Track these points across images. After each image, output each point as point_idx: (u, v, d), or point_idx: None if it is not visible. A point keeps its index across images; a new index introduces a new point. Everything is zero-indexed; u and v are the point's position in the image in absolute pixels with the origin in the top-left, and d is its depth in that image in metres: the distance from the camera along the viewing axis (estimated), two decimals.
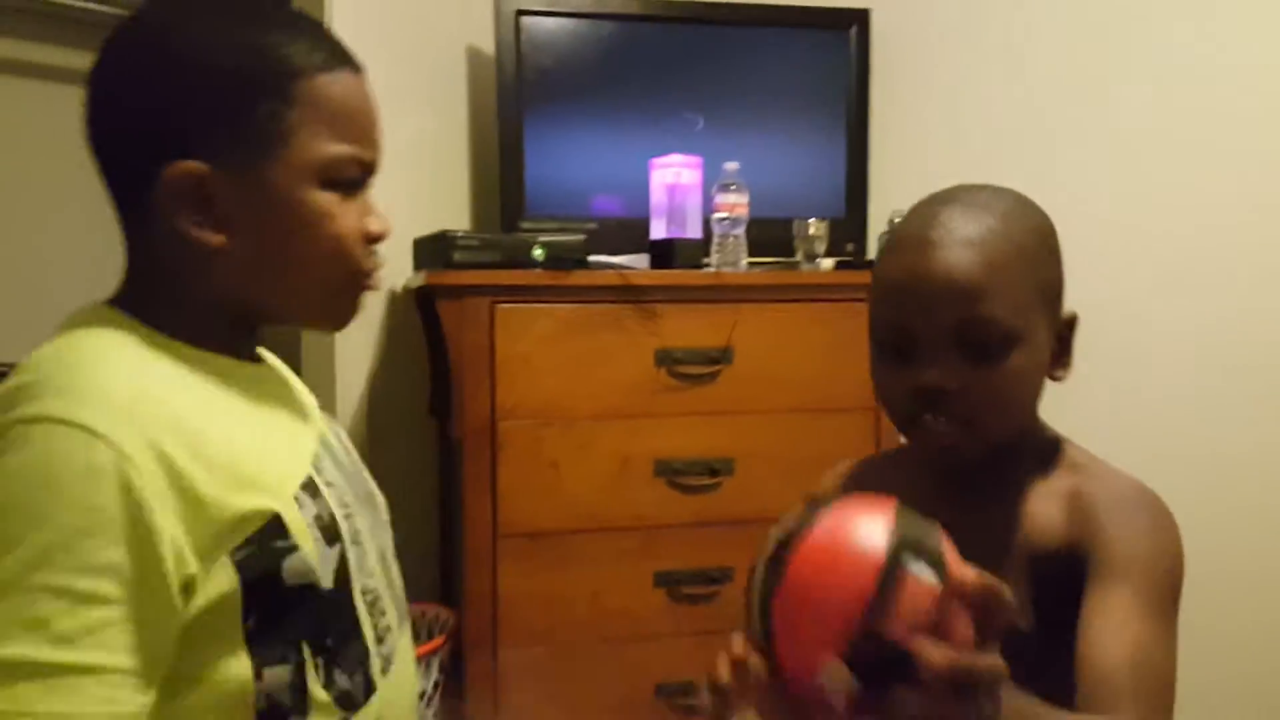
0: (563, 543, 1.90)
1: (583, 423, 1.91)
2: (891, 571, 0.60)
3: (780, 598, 0.63)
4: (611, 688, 1.94)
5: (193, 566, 0.75)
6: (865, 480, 1.02)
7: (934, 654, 0.59)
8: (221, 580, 0.76)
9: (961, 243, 0.88)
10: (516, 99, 2.17)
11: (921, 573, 0.61)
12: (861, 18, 2.34)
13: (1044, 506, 0.93)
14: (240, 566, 0.77)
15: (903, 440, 0.99)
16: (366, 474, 1.00)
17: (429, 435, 2.23)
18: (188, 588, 0.75)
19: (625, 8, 2.26)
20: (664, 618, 1.96)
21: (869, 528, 0.62)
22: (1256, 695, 2.05)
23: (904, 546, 0.61)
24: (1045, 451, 0.97)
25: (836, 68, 2.33)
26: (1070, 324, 0.96)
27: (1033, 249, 0.92)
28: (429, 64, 2.29)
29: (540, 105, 2.20)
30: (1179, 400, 2.13)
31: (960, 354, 0.88)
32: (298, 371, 2.19)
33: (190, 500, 0.75)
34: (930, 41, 2.41)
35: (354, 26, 2.12)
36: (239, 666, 0.78)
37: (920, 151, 2.40)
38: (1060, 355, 0.95)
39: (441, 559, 2.19)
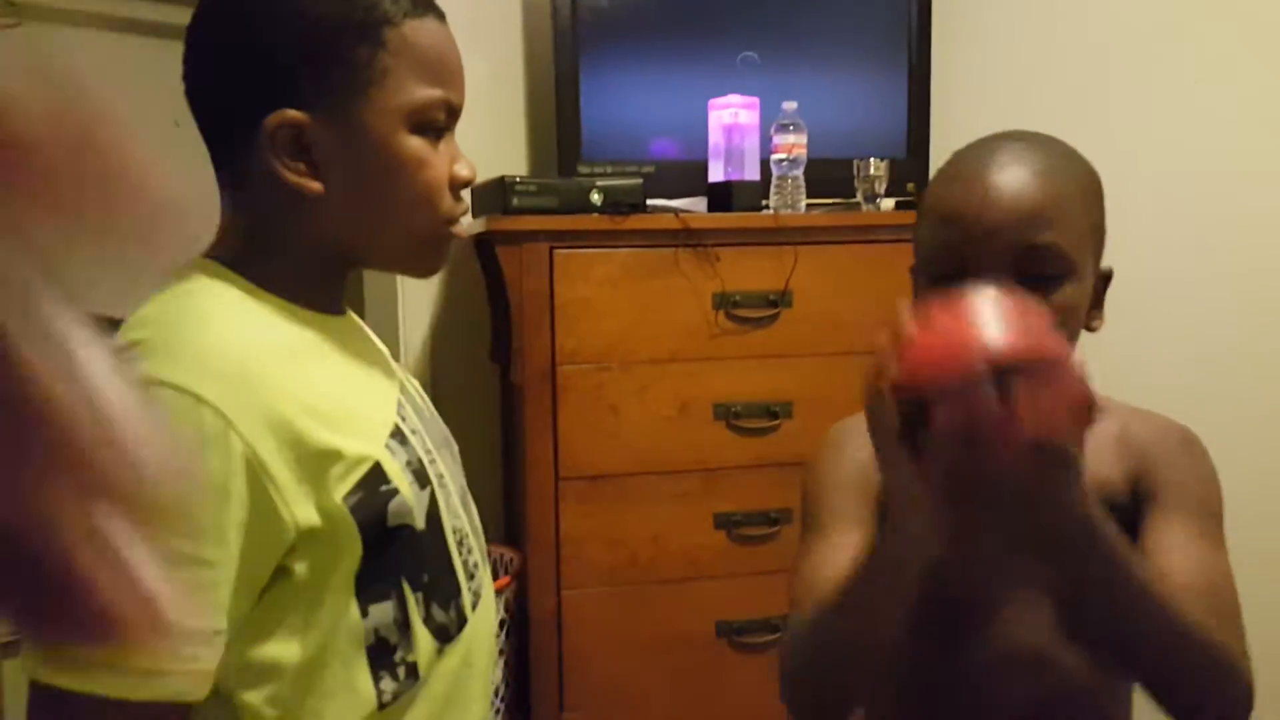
0: (623, 485, 1.93)
1: (642, 366, 1.92)
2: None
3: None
4: (672, 627, 1.97)
5: (314, 519, 0.78)
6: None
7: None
8: (341, 526, 0.79)
9: (1028, 172, 0.88)
10: (572, 41, 2.16)
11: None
12: None
13: (1097, 451, 0.92)
14: (354, 510, 0.80)
15: None
16: (440, 420, 1.03)
17: (490, 380, 2.26)
18: (306, 540, 0.78)
19: None
20: (724, 558, 1.99)
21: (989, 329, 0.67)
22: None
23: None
24: None
25: (898, 10, 2.28)
26: (1107, 277, 0.96)
27: (1091, 190, 0.93)
28: (484, 7, 2.28)
29: (596, 47, 2.19)
30: (1232, 355, 2.09)
31: (1016, 282, 0.86)
32: (361, 319, 2.24)
33: (303, 454, 0.78)
34: None
35: None
36: (352, 606, 0.81)
37: (982, 90, 2.35)
38: (1095, 305, 0.95)
39: (505, 501, 2.23)
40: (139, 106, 0.86)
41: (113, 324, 0.84)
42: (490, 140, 2.29)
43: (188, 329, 0.79)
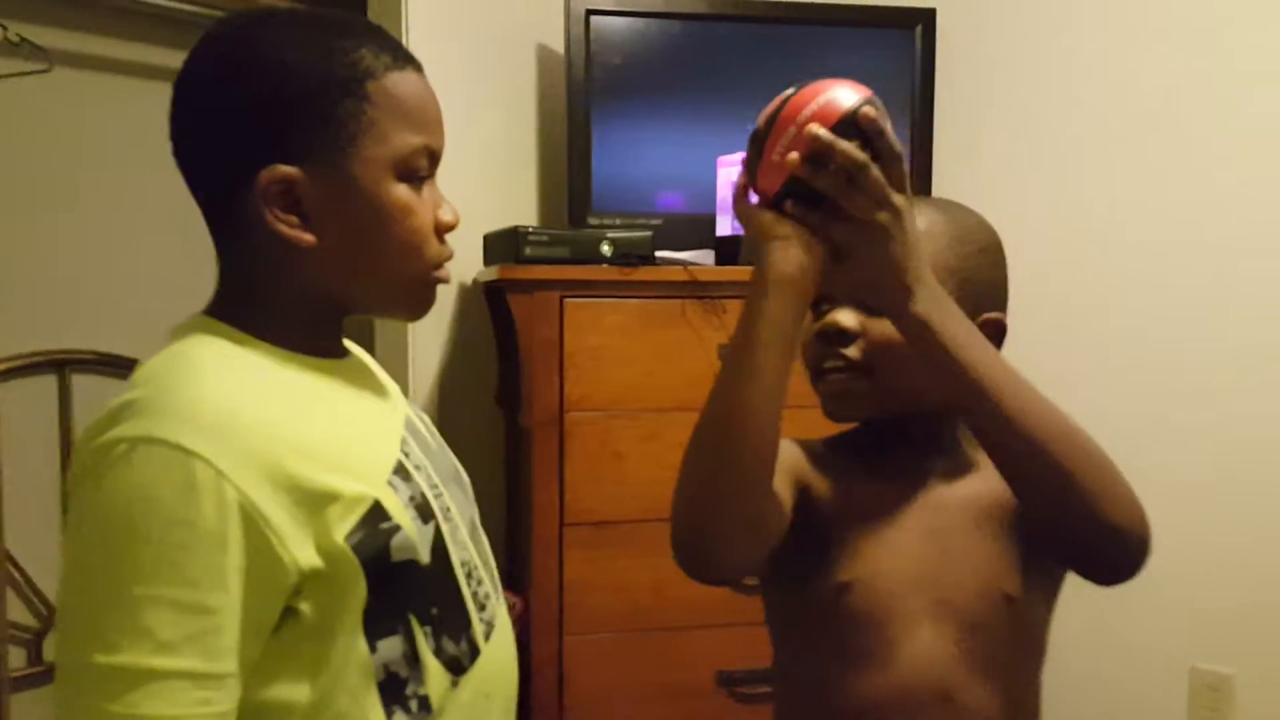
0: (627, 532, 1.95)
1: (648, 415, 1.95)
2: (850, 118, 0.82)
3: (771, 132, 0.84)
4: (673, 675, 1.98)
5: (315, 560, 0.80)
6: (816, 456, 1.05)
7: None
8: (344, 566, 0.81)
9: None
10: (585, 96, 2.22)
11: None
12: (927, 17, 2.34)
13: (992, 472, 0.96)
14: (356, 549, 0.82)
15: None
16: (450, 453, 1.05)
17: (496, 425, 2.29)
18: (310, 581, 0.80)
19: (693, 7, 2.30)
20: (725, 607, 1.98)
21: (844, 94, 0.83)
22: None
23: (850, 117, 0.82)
24: (956, 436, 1.04)
25: (902, 67, 2.34)
26: (995, 325, 1.01)
27: (960, 238, 1.00)
28: (500, 62, 2.35)
29: (608, 103, 2.24)
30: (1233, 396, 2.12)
31: (863, 305, 0.97)
32: None
33: (300, 497, 0.80)
34: (995, 41, 2.41)
35: (428, 26, 2.19)
36: (360, 642, 0.83)
37: (985, 150, 2.41)
38: None
39: (508, 546, 2.24)
40: (166, 152, 0.89)
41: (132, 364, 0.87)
42: (503, 190, 2.34)
43: (179, 384, 0.81)
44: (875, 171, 0.81)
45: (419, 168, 0.89)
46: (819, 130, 0.80)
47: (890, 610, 0.97)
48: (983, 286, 1.01)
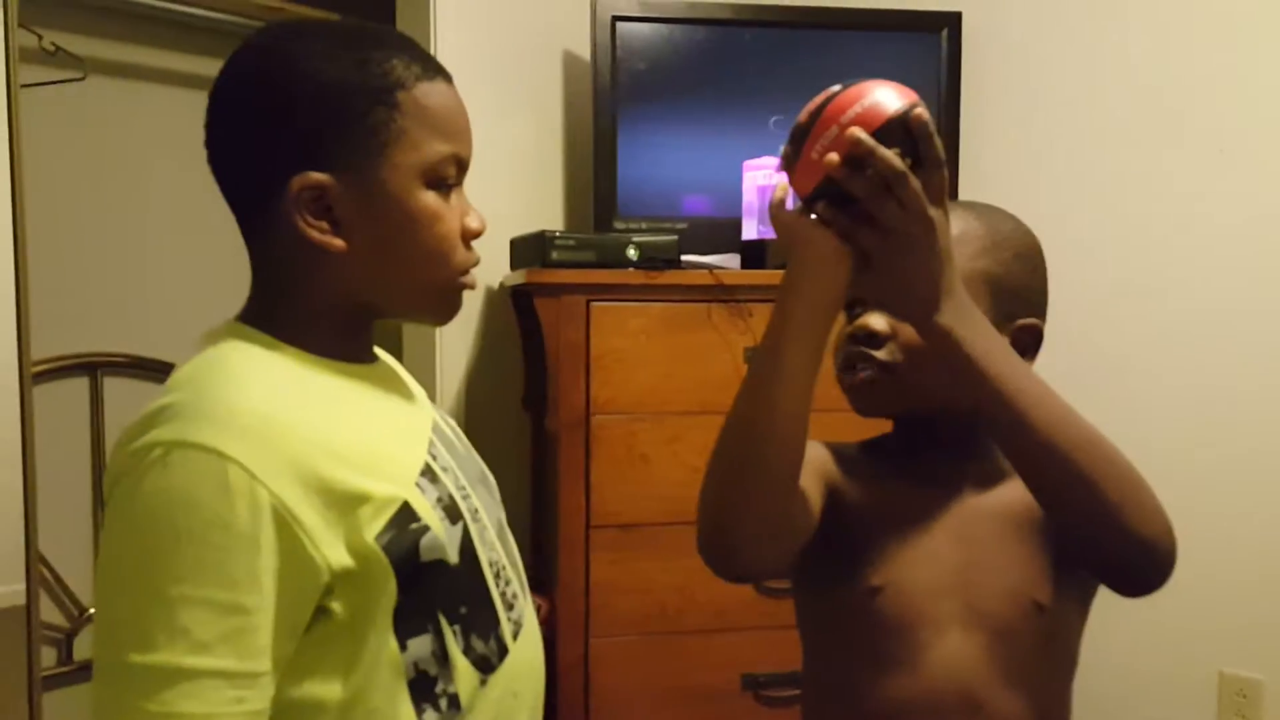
0: (653, 534, 1.96)
1: (674, 418, 1.96)
2: (900, 120, 0.80)
3: (812, 130, 0.83)
4: (698, 678, 1.99)
5: (347, 560, 0.81)
6: (847, 459, 1.06)
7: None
8: (374, 566, 0.82)
9: None
10: (611, 102, 2.23)
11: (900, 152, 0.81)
12: (953, 20, 2.34)
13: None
14: (386, 549, 0.83)
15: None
16: (476, 456, 1.06)
17: (523, 428, 2.30)
18: (342, 581, 0.82)
19: (718, 13, 2.31)
20: (750, 610, 2.00)
21: (889, 97, 0.82)
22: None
23: (900, 120, 0.81)
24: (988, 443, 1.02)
25: (928, 70, 2.34)
26: (1031, 332, 1.02)
27: (993, 241, 1.00)
28: (527, 69, 2.36)
29: (633, 108, 2.25)
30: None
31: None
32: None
33: (331, 499, 0.81)
34: (1021, 43, 2.40)
35: (456, 34, 2.21)
36: (390, 641, 0.84)
37: (1011, 153, 2.40)
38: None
39: (534, 548, 2.25)
40: (199, 159, 0.91)
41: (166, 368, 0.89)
42: (529, 195, 2.36)
43: (213, 389, 0.83)
44: (914, 182, 0.80)
45: (447, 176, 0.91)
46: (860, 134, 0.79)
47: (920, 615, 0.97)
48: (1018, 292, 1.02)
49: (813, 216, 0.83)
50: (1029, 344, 1.02)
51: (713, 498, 0.87)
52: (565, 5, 2.32)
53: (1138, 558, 0.88)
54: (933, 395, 0.99)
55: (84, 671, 2.27)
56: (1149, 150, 2.22)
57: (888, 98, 0.81)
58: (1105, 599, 1.01)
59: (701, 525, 0.89)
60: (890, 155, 0.79)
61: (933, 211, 0.82)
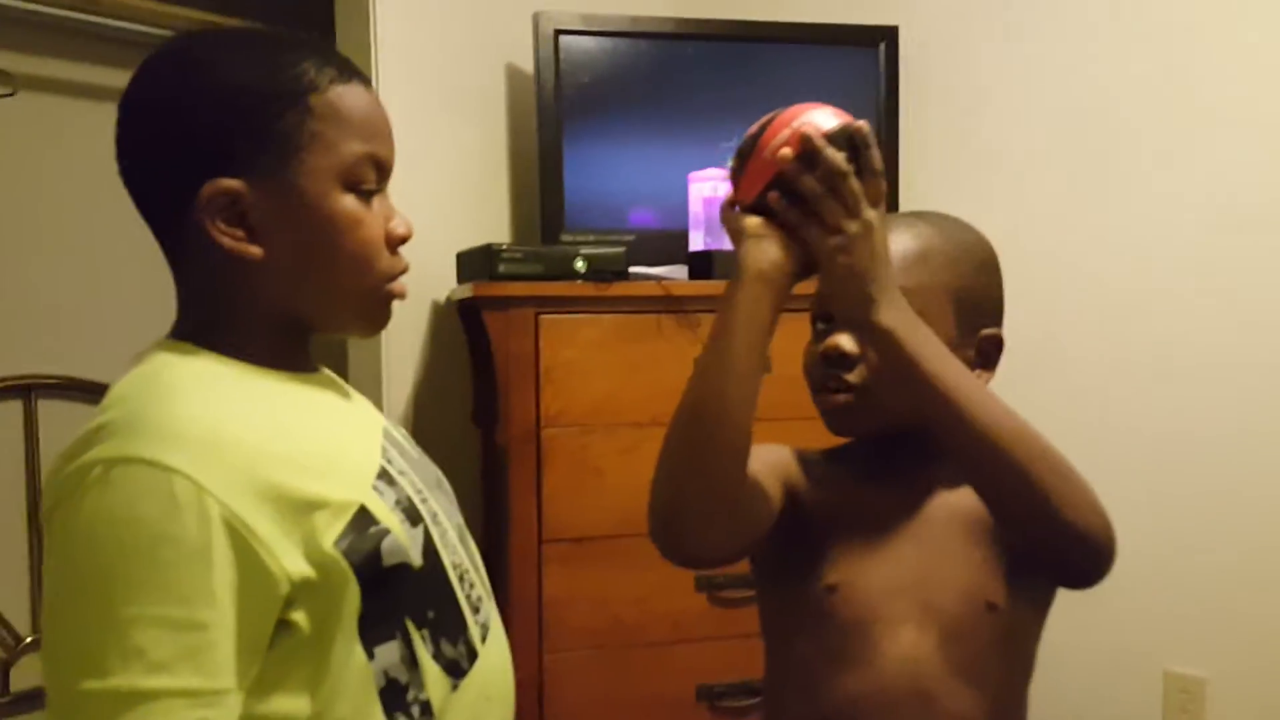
0: (607, 547, 1.95)
1: (625, 429, 1.95)
2: (842, 133, 0.89)
3: (754, 149, 0.91)
4: (653, 690, 1.98)
5: (305, 569, 0.79)
6: (808, 462, 1.09)
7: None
8: (335, 572, 0.80)
9: (895, 233, 0.99)
10: (556, 115, 2.23)
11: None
12: (890, 35, 2.38)
13: None
14: (346, 554, 0.81)
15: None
16: (430, 462, 1.05)
17: (472, 442, 2.28)
18: (302, 590, 0.79)
19: (661, 27, 2.32)
20: (705, 620, 2.00)
21: (826, 116, 0.90)
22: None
23: (844, 131, 0.89)
24: None
25: (866, 83, 2.38)
26: (993, 342, 1.06)
27: (953, 253, 1.03)
28: (471, 82, 2.36)
29: (579, 121, 2.26)
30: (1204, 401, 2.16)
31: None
32: (347, 382, 2.25)
33: (285, 507, 0.79)
34: (957, 57, 2.45)
35: (398, 47, 2.19)
36: (357, 650, 0.82)
37: (948, 165, 2.44)
38: (978, 365, 1.04)
39: (486, 563, 2.22)
40: (89, 168, 0.89)
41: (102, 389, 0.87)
42: (475, 208, 2.35)
43: (152, 403, 0.80)
44: (854, 182, 0.87)
45: (365, 178, 0.89)
46: (811, 131, 0.86)
47: (874, 613, 0.98)
48: (981, 303, 1.05)
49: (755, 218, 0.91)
50: (992, 353, 1.06)
51: (662, 478, 0.91)
52: (508, 19, 2.32)
53: (1076, 550, 0.91)
54: (904, 415, 0.99)
55: (24, 702, 2.20)
56: (1086, 158, 2.28)
57: (826, 116, 0.90)
58: (1054, 597, 1.03)
59: (651, 505, 0.91)
60: (836, 154, 0.87)
61: (871, 213, 0.87)
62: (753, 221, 0.90)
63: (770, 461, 1.04)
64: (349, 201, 0.88)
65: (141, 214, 0.90)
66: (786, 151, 0.86)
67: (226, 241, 0.86)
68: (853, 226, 0.87)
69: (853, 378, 1.01)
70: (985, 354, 1.05)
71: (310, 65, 0.87)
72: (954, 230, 1.06)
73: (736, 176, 0.92)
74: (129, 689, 0.73)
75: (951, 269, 1.02)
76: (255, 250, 0.86)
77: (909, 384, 0.89)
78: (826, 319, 1.04)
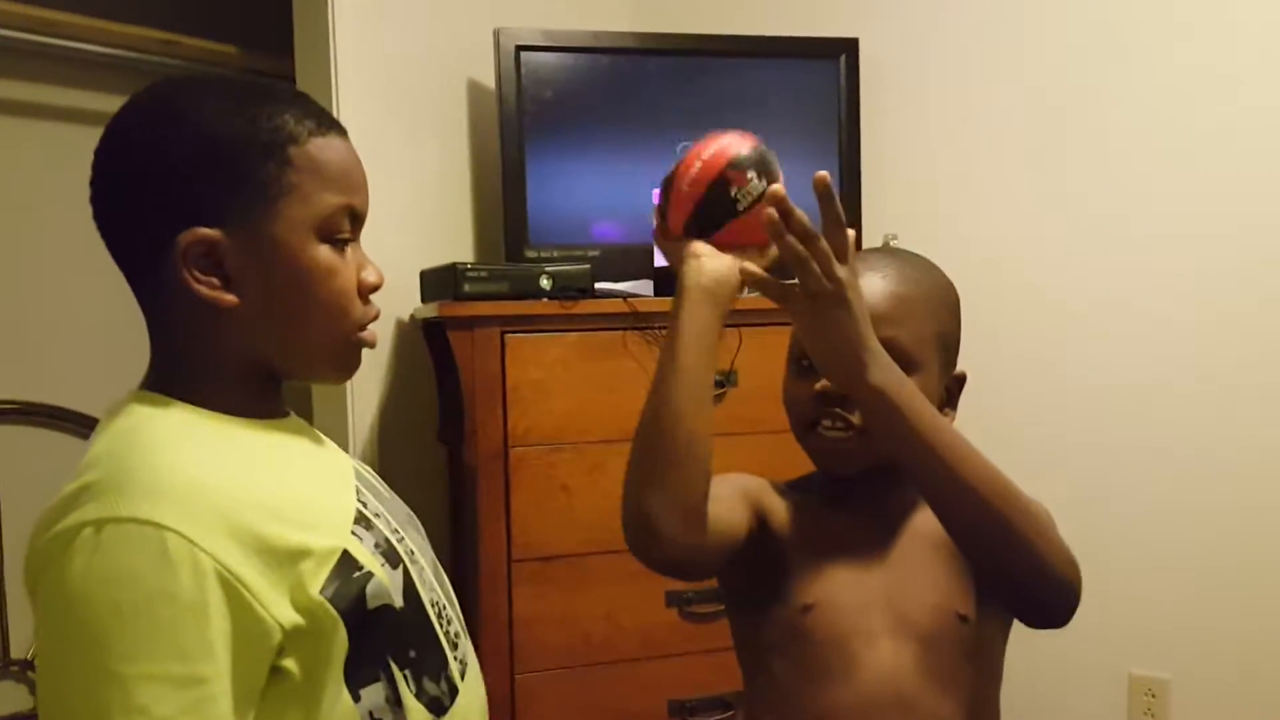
0: (576, 565, 1.95)
1: (593, 446, 1.95)
2: (736, 163, 0.97)
3: (674, 178, 0.99)
4: (625, 706, 1.98)
5: (295, 617, 0.80)
6: (778, 491, 1.13)
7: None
8: (323, 619, 0.81)
9: (880, 279, 1.03)
10: (518, 130, 2.23)
11: (755, 177, 0.97)
12: (850, 47, 2.40)
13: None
14: (332, 601, 0.82)
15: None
16: (400, 500, 1.05)
17: (438, 461, 2.27)
18: (293, 638, 0.80)
19: (622, 42, 2.33)
20: (675, 636, 2.00)
21: (733, 142, 0.98)
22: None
23: (753, 156, 0.98)
24: None
25: (827, 96, 2.39)
26: (960, 380, 1.10)
27: (936, 300, 1.07)
28: (431, 99, 2.35)
29: (541, 136, 2.26)
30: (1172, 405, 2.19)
31: None
32: (310, 406, 2.24)
33: (271, 558, 0.80)
34: (917, 69, 2.47)
35: (357, 63, 2.18)
36: (344, 694, 0.83)
37: (911, 176, 2.46)
38: (947, 404, 1.09)
39: (455, 583, 2.21)
40: (87, 198, 0.88)
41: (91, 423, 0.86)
42: (437, 226, 2.34)
43: (135, 461, 0.80)
44: (823, 243, 0.88)
45: (340, 229, 0.90)
46: (780, 190, 0.89)
47: (851, 628, 1.01)
48: (954, 344, 1.08)
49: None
50: (956, 391, 1.09)
51: (630, 483, 0.95)
52: (468, 35, 2.32)
53: (1052, 596, 0.96)
54: (893, 456, 1.01)
55: None
56: (1047, 169, 2.30)
57: (733, 142, 0.98)
58: None
59: (623, 509, 0.96)
60: (802, 214, 0.88)
61: (842, 271, 0.89)
62: (684, 245, 0.97)
63: (741, 485, 1.08)
64: (324, 252, 0.89)
65: (114, 258, 0.90)
66: (771, 213, 0.89)
67: (203, 290, 0.86)
68: (828, 287, 0.88)
69: (855, 418, 1.02)
70: (950, 392, 1.08)
71: (291, 117, 0.88)
72: (928, 274, 1.08)
73: (663, 209, 1.00)
74: None
75: (934, 315, 1.06)
76: (231, 298, 0.87)
77: (897, 440, 0.92)
78: (808, 354, 1.04)
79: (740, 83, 2.36)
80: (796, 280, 0.90)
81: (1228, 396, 2.11)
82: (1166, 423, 2.17)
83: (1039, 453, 2.18)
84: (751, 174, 0.97)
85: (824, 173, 0.89)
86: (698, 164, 0.97)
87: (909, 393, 0.92)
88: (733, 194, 0.97)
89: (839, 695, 1.00)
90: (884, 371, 0.91)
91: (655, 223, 1.02)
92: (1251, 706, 2.09)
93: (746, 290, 1.99)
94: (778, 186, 0.89)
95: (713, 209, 0.97)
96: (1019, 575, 0.94)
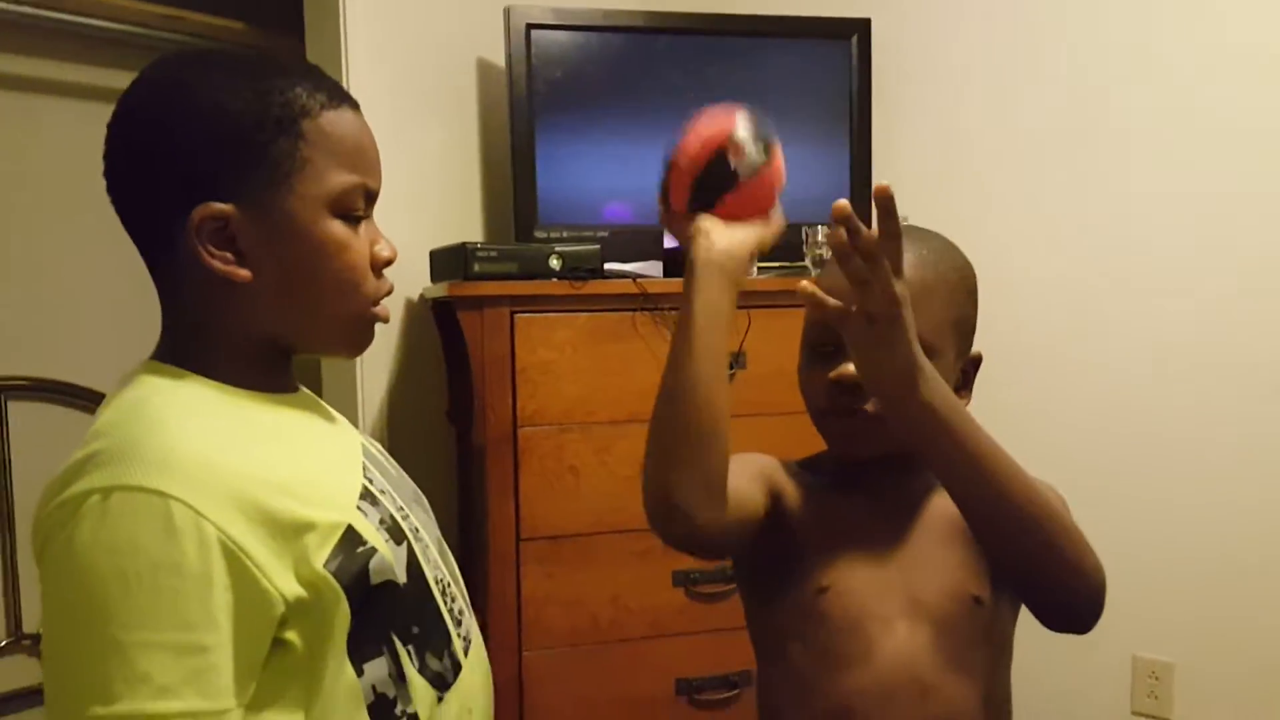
0: (583, 545, 1.96)
1: (602, 428, 1.96)
2: (733, 136, 0.97)
3: (673, 158, 1.00)
4: (632, 686, 1.99)
5: (298, 590, 0.81)
6: (792, 472, 1.12)
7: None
8: (326, 593, 0.82)
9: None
10: (528, 110, 2.22)
11: (752, 147, 0.97)
12: (863, 27, 2.38)
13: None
14: (336, 575, 0.82)
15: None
16: (407, 477, 1.06)
17: (447, 440, 2.28)
18: (296, 611, 0.81)
19: (633, 20, 2.31)
20: (682, 616, 2.01)
21: (727, 114, 0.98)
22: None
23: (748, 127, 0.97)
24: None
25: (839, 76, 2.38)
26: (976, 362, 1.09)
27: (953, 283, 1.05)
28: (441, 78, 2.34)
29: (551, 116, 2.25)
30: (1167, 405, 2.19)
31: None
32: (320, 384, 2.25)
33: (276, 530, 0.80)
34: (929, 49, 2.46)
35: (368, 43, 2.18)
36: (347, 667, 0.84)
37: (922, 157, 2.45)
38: (963, 386, 1.08)
39: (463, 562, 2.23)
40: (102, 174, 0.89)
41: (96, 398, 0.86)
42: (447, 206, 2.34)
43: (143, 431, 0.81)
44: (886, 263, 0.85)
45: (355, 206, 0.90)
46: (845, 206, 0.85)
47: (867, 612, 1.01)
48: (970, 326, 1.07)
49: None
50: (971, 373, 1.08)
51: (650, 461, 0.94)
52: (479, 14, 2.31)
53: (1080, 606, 0.96)
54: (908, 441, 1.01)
55: (4, 704, 2.19)
56: (1060, 149, 2.29)
57: (729, 112, 0.98)
58: None
59: (644, 488, 0.95)
60: (870, 233, 0.85)
61: (900, 288, 0.86)
62: (698, 221, 0.97)
63: (757, 464, 1.08)
64: (337, 227, 0.89)
65: (129, 233, 0.90)
66: (840, 233, 0.85)
67: (217, 265, 0.86)
68: (887, 309, 0.86)
69: (870, 406, 1.02)
70: (966, 374, 1.08)
71: (302, 90, 0.88)
72: (945, 256, 1.07)
73: (665, 189, 1.00)
74: (136, 713, 0.74)
75: (951, 300, 1.04)
76: (244, 273, 0.87)
77: (941, 458, 0.91)
78: (825, 342, 1.04)
79: (751, 62, 2.35)
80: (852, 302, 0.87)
81: (1238, 385, 2.10)
82: (1174, 410, 2.16)
83: (1048, 438, 2.17)
84: (749, 144, 0.97)
85: (885, 184, 0.86)
86: (695, 141, 0.97)
87: (955, 408, 0.90)
88: (732, 166, 0.96)
89: (856, 679, 1.00)
90: (933, 390, 0.89)
91: (660, 205, 1.02)
92: (1255, 690, 2.10)
93: (756, 269, 1.98)
94: (843, 202, 0.85)
95: (713, 182, 0.97)
96: (1051, 587, 0.94)
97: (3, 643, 2.22)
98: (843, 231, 0.85)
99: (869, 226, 0.86)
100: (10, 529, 2.24)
